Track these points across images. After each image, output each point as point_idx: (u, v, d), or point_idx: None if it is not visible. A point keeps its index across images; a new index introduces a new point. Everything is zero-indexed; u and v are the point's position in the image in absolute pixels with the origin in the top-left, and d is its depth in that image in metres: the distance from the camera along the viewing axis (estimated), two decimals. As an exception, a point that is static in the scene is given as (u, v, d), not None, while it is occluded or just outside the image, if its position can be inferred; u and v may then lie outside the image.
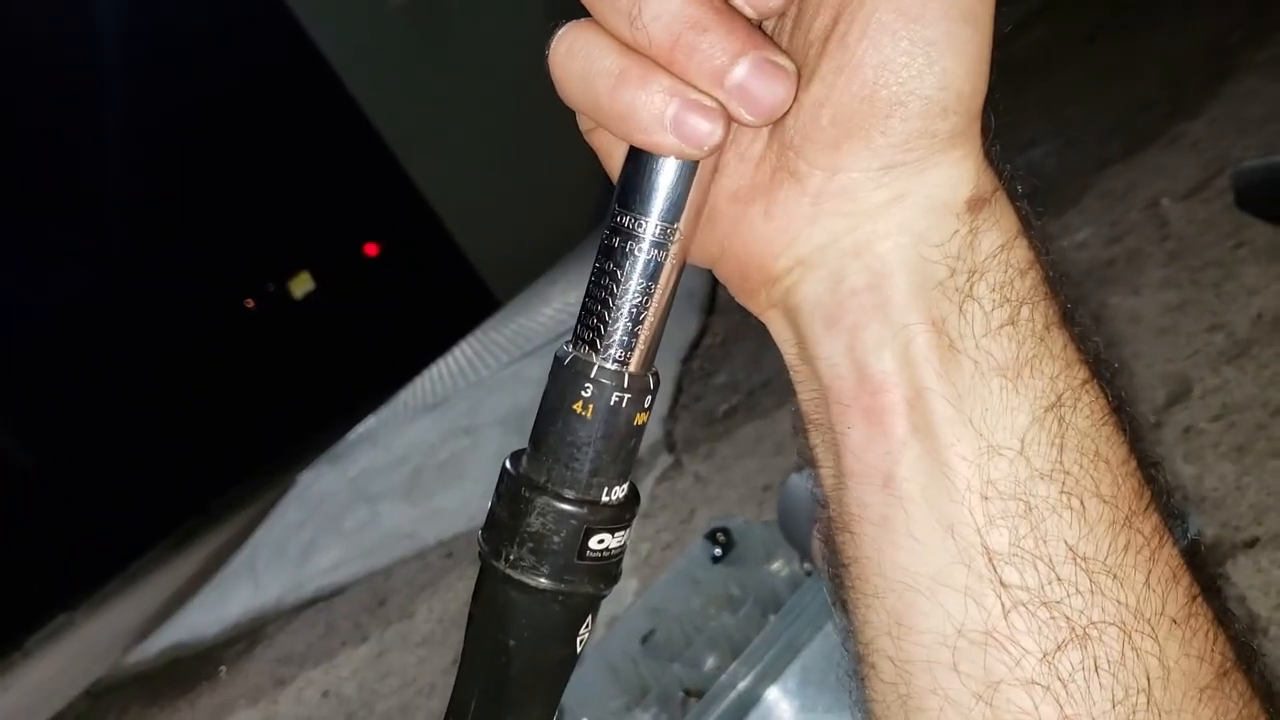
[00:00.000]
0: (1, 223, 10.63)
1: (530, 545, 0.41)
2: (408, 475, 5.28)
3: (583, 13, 0.39)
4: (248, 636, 4.46)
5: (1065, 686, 0.36)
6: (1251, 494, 1.45)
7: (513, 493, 0.41)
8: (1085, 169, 2.83)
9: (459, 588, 3.30)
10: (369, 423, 7.61)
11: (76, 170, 11.07)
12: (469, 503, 4.12)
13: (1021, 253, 0.39)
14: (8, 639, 7.72)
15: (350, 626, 3.72)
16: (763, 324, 0.45)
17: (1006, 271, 0.38)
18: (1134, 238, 2.32)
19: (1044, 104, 3.43)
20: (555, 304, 6.91)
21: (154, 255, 11.27)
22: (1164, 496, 0.40)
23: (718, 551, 1.88)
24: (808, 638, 1.50)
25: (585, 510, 0.40)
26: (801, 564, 1.68)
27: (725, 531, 1.90)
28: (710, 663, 1.69)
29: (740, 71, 0.35)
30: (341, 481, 6.22)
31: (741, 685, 1.47)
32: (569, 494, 0.40)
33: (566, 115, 0.43)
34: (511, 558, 0.41)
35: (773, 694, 1.46)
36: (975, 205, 0.38)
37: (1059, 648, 0.36)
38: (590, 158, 0.44)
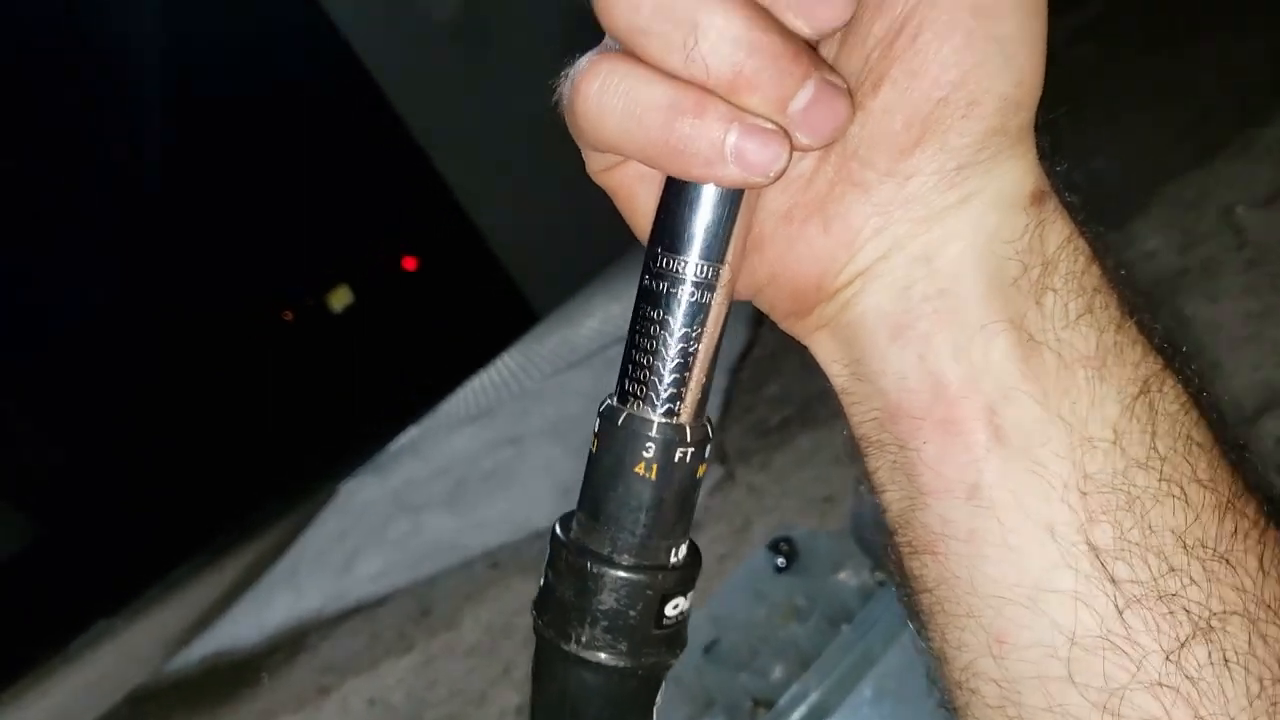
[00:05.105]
0: (42, 232, 10.77)
1: (604, 624, 0.38)
2: (451, 486, 5.28)
3: (593, 42, 0.37)
4: (289, 645, 4.46)
5: (1195, 685, 0.34)
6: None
7: (576, 568, 0.38)
8: (1151, 179, 2.78)
9: (506, 598, 3.28)
10: (410, 434, 7.62)
11: (119, 182, 11.22)
12: (514, 512, 4.10)
13: (1085, 243, 0.38)
14: (50, 644, 7.77)
15: (395, 636, 3.70)
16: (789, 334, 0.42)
17: (1077, 261, 0.37)
18: (1208, 246, 2.26)
19: (1102, 115, 3.37)
20: (599, 315, 6.90)
21: (194, 268, 11.38)
22: (1256, 479, 0.38)
23: (781, 562, 1.85)
24: (882, 649, 1.46)
25: (659, 577, 0.38)
26: (873, 574, 1.64)
27: (789, 541, 1.86)
28: (778, 673, 1.65)
29: (803, 97, 0.34)
30: (383, 492, 6.23)
31: (814, 696, 1.43)
32: (639, 562, 0.38)
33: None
34: (584, 639, 0.38)
35: (848, 705, 1.42)
36: (1039, 199, 0.37)
37: (1183, 644, 0.34)
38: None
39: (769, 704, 1.53)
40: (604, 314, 6.81)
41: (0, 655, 7.40)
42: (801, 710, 1.41)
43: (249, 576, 6.35)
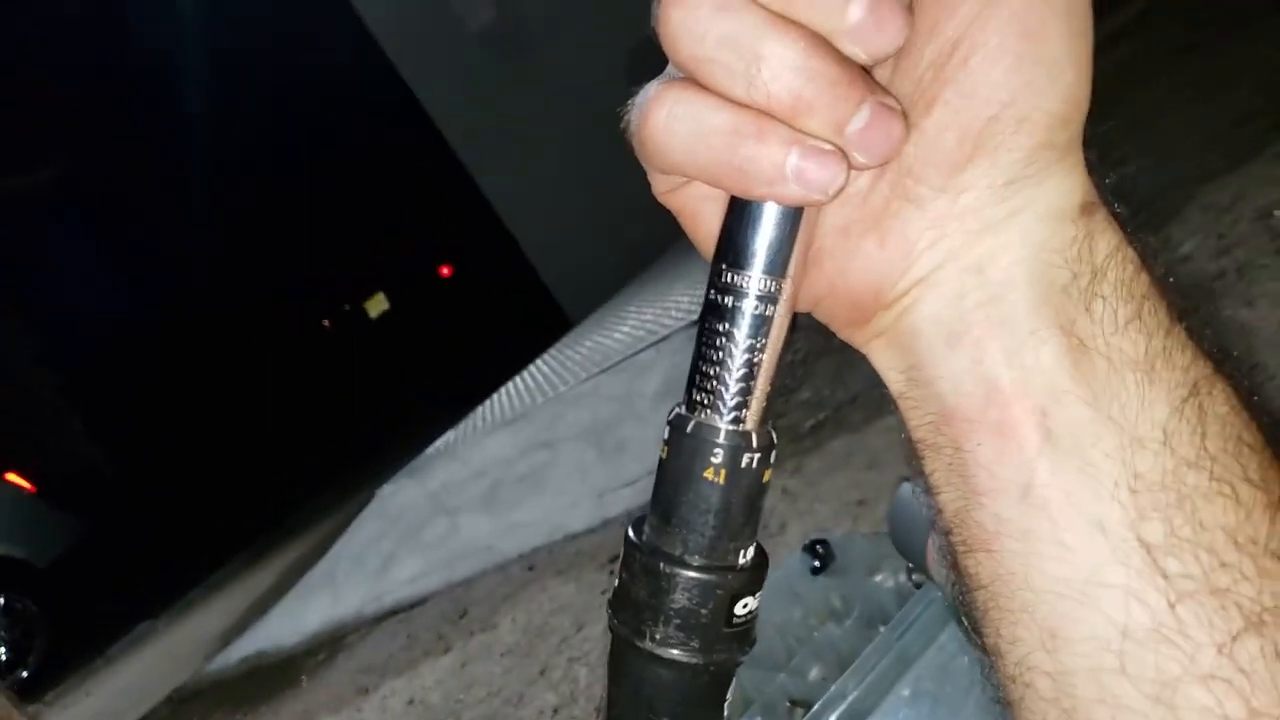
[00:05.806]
0: (82, 237, 10.92)
1: (678, 622, 0.40)
2: (486, 489, 5.31)
3: (658, 67, 0.39)
4: (328, 646, 4.51)
5: (1248, 678, 0.35)
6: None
7: (649, 569, 0.40)
8: (1185, 182, 2.77)
9: (541, 599, 3.30)
10: (447, 437, 7.66)
11: (159, 193, 11.36)
12: (549, 515, 4.13)
13: (1133, 252, 0.39)
14: (91, 646, 7.88)
15: (432, 637, 3.74)
16: (848, 343, 0.45)
17: (1125, 269, 0.38)
18: (1244, 250, 2.25)
19: (1136, 119, 3.35)
20: (631, 322, 6.92)
21: (235, 275, 11.50)
22: None
23: (816, 564, 1.86)
24: (919, 650, 1.47)
25: (729, 578, 0.40)
26: (910, 576, 1.65)
27: (824, 543, 1.87)
28: (815, 673, 1.66)
29: (859, 120, 0.35)
30: (420, 495, 6.27)
31: (852, 696, 1.44)
32: (709, 563, 0.40)
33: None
34: (658, 636, 0.40)
35: (886, 706, 1.43)
36: (1088, 210, 0.39)
37: (1235, 638, 0.35)
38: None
39: (806, 705, 1.55)
40: (636, 320, 6.82)
41: (44, 657, 7.51)
42: (839, 710, 1.43)
43: (288, 579, 6.42)
